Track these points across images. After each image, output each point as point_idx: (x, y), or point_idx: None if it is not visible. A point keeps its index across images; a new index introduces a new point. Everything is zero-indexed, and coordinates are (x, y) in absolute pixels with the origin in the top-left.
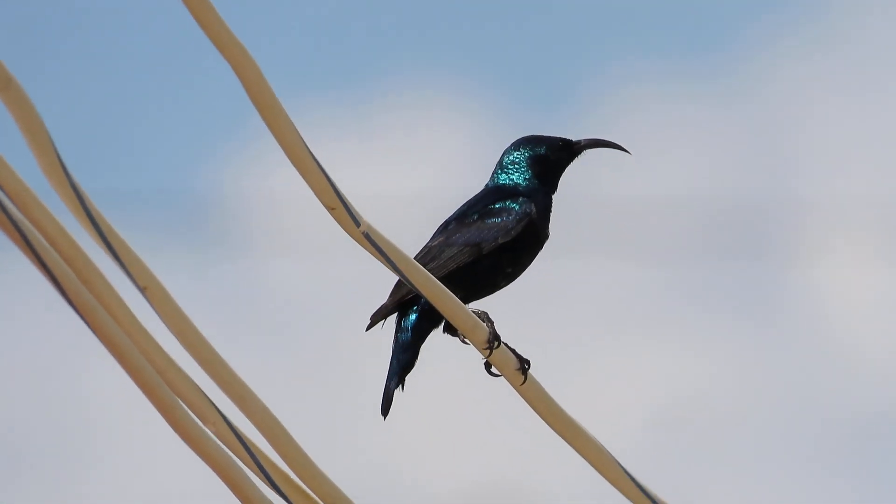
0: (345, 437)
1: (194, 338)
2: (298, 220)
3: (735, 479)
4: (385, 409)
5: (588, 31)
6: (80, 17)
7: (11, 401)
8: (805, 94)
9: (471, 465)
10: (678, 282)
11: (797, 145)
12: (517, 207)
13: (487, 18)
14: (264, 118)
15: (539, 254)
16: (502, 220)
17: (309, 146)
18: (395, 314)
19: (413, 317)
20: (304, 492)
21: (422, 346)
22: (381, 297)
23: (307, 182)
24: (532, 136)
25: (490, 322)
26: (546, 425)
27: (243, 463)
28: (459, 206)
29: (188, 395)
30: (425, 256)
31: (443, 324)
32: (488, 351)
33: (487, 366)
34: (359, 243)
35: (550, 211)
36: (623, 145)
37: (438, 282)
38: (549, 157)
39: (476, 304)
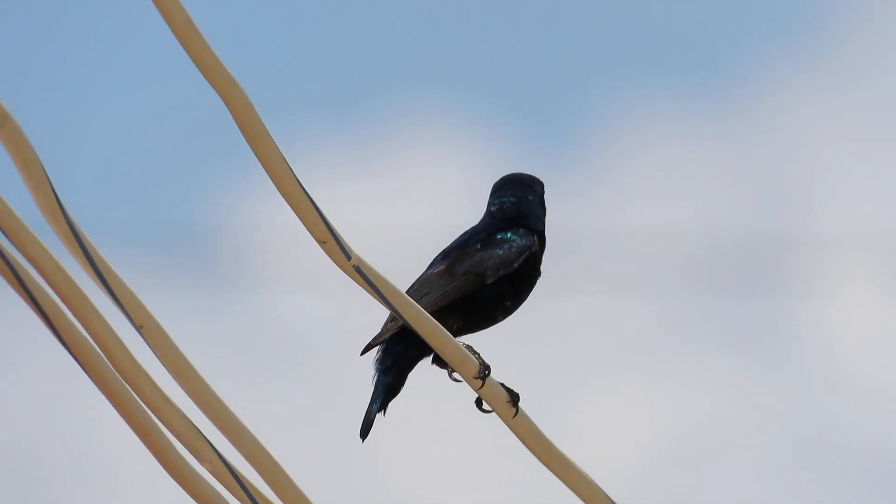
0: (342, 474)
1: (191, 376)
2: (297, 252)
3: None
4: (364, 433)
5: (592, 66)
6: (75, 54)
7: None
8: (816, 128)
9: (464, 499)
10: (684, 316)
11: (807, 180)
12: (519, 240)
13: (487, 50)
14: (254, 150)
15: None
16: (504, 251)
17: (300, 179)
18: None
19: (400, 346)
20: None
21: (408, 374)
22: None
23: (298, 215)
24: (519, 173)
25: (477, 354)
26: (536, 459)
27: (239, 501)
28: (459, 235)
29: (184, 434)
30: (423, 286)
31: (432, 356)
32: (480, 382)
33: (479, 402)
34: (350, 277)
35: (544, 249)
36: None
37: (430, 316)
38: (541, 195)
39: (470, 339)
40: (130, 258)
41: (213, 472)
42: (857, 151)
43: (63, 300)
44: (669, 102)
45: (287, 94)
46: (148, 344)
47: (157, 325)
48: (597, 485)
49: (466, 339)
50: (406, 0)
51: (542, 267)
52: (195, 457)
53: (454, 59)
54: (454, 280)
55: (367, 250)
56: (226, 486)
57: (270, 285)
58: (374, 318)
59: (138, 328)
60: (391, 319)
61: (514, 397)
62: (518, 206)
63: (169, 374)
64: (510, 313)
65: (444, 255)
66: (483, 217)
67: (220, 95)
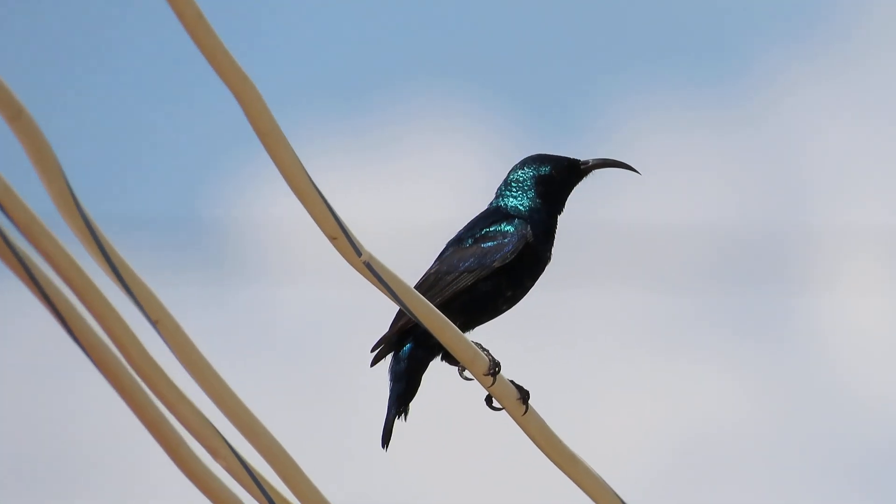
0: (356, 468)
1: (207, 372)
2: (311, 247)
3: None
4: (385, 441)
5: (602, 60)
6: (87, 47)
7: (14, 436)
8: (817, 122)
9: (476, 495)
10: (687, 310)
11: (809, 173)
12: (512, 230)
13: (500, 46)
14: (266, 146)
15: (541, 276)
16: (498, 243)
17: (311, 175)
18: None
19: (409, 346)
20: None
21: (422, 375)
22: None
23: (308, 211)
24: (539, 154)
25: (487, 351)
26: (546, 456)
27: (253, 497)
28: (459, 229)
29: (199, 430)
30: (424, 284)
31: (441, 353)
32: (490, 379)
33: (489, 400)
34: (360, 273)
35: (554, 233)
36: (632, 165)
37: (440, 312)
38: (554, 177)
39: (478, 331)
40: (143, 252)
41: (227, 469)
42: (861, 143)
43: (76, 295)
44: (673, 92)
45: (296, 88)
46: (163, 339)
47: (173, 320)
48: (606, 483)
49: (476, 335)
50: None
51: (552, 252)
52: (210, 453)
53: (462, 52)
54: (451, 276)
55: (377, 245)
56: (241, 483)
57: (283, 280)
58: (387, 313)
59: (154, 323)
60: (399, 317)
61: (524, 395)
62: (526, 189)
63: (184, 370)
64: (514, 303)
65: (443, 252)
66: (491, 200)
67: (232, 90)
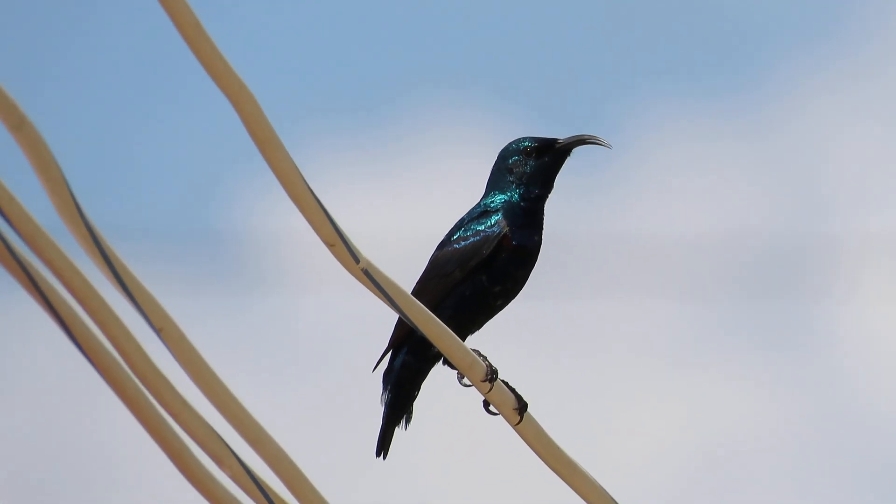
0: (359, 477)
1: (210, 379)
2: (321, 256)
3: None
4: (380, 450)
5: (619, 71)
6: (92, 56)
7: (17, 444)
8: (837, 131)
9: (478, 501)
10: (707, 319)
11: (829, 182)
12: (483, 228)
13: (516, 56)
14: (264, 154)
15: (534, 265)
16: (473, 241)
17: (310, 182)
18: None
19: (402, 355)
20: None
21: (420, 382)
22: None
23: (306, 218)
24: (514, 140)
25: (485, 357)
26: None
27: None
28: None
29: (204, 438)
30: (415, 290)
31: (443, 358)
32: (488, 386)
33: (486, 404)
34: (358, 280)
35: (539, 218)
36: (603, 140)
37: (438, 319)
38: (529, 160)
39: (490, 338)
40: (159, 263)
41: (232, 477)
42: (882, 151)
43: (80, 303)
44: (692, 103)
45: (306, 100)
46: (167, 347)
47: (177, 328)
48: (604, 489)
49: (481, 341)
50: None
51: (541, 237)
52: (215, 462)
53: (476, 62)
54: (434, 282)
55: (390, 256)
56: (245, 491)
57: (292, 289)
58: (392, 322)
59: (157, 331)
60: (398, 325)
61: (521, 405)
62: (502, 178)
63: (188, 378)
64: (509, 297)
65: (431, 256)
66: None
67: (229, 99)
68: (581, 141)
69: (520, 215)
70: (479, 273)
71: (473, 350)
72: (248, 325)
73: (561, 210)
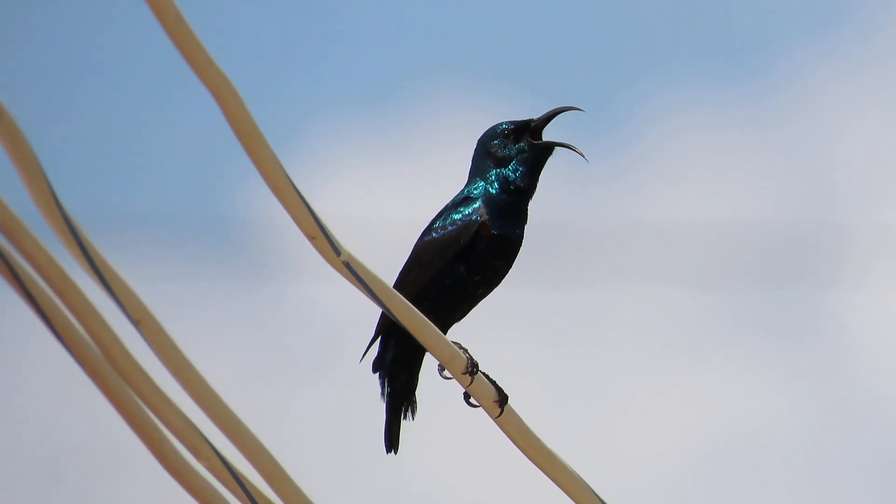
0: (342, 472)
1: (189, 372)
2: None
3: None
4: (389, 445)
5: (629, 61)
6: (73, 46)
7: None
8: (847, 119)
9: (465, 495)
10: (716, 308)
11: (839, 171)
12: (459, 217)
13: (524, 44)
14: (245, 146)
15: (516, 255)
16: (448, 231)
17: (289, 174)
18: (380, 346)
19: (393, 348)
20: None
21: (417, 371)
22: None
23: (287, 211)
24: (490, 126)
25: (465, 350)
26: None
27: (237, 498)
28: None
29: (182, 431)
30: (398, 282)
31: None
32: (469, 379)
33: (466, 396)
34: (339, 272)
35: (523, 209)
36: (576, 106)
37: (418, 311)
38: (508, 144)
39: (456, 326)
40: (168, 248)
41: (210, 469)
42: (891, 140)
43: (58, 295)
44: (701, 92)
45: (318, 90)
46: (144, 339)
47: (154, 320)
48: (584, 481)
49: (456, 334)
50: None
51: (524, 227)
52: (192, 454)
53: (483, 50)
54: (414, 273)
55: (401, 245)
56: (223, 483)
57: (293, 274)
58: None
59: (135, 323)
60: (383, 315)
61: (502, 397)
62: (482, 167)
63: (166, 370)
64: (490, 286)
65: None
66: None
67: (211, 91)
68: (553, 114)
69: (500, 204)
70: (459, 262)
71: (454, 343)
72: (252, 309)
73: (571, 198)
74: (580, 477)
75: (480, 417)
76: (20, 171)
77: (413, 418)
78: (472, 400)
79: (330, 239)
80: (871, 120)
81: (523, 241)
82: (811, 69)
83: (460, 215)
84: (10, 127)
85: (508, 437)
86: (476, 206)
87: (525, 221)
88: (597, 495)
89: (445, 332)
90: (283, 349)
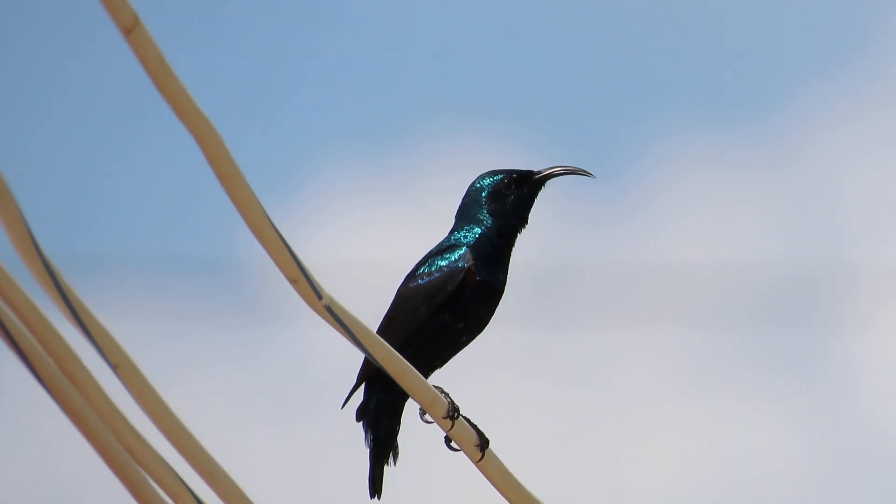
0: None
1: (166, 415)
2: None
3: None
4: (373, 491)
5: (635, 102)
6: (53, 90)
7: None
8: (854, 160)
9: None
10: (724, 349)
11: (846, 212)
12: (446, 264)
13: (530, 84)
14: (226, 188)
15: (498, 304)
16: (434, 279)
17: (271, 218)
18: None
19: (376, 393)
20: None
21: (399, 417)
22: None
23: (269, 254)
24: (485, 173)
25: (447, 394)
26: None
27: None
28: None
29: (159, 474)
30: (381, 327)
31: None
32: (450, 423)
33: (448, 440)
34: (321, 316)
35: (507, 256)
36: (586, 169)
37: (400, 356)
38: (503, 192)
39: (438, 372)
40: (181, 297)
41: None
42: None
43: (38, 339)
44: (708, 133)
45: (323, 129)
46: (123, 383)
47: (132, 364)
48: None
49: (437, 378)
50: (434, 29)
51: (506, 276)
52: (171, 498)
53: (490, 90)
54: (399, 319)
55: (386, 282)
56: None
57: (284, 321)
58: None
59: (113, 367)
60: (366, 361)
61: (483, 441)
62: (472, 212)
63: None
64: (473, 333)
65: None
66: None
67: (192, 133)
68: (561, 172)
69: (487, 251)
70: (444, 310)
71: (435, 387)
72: (237, 352)
73: (579, 239)
74: None
75: (462, 461)
76: (1, 218)
77: (395, 464)
78: (453, 444)
79: (311, 282)
80: (877, 161)
81: (506, 287)
82: (817, 110)
83: (446, 262)
84: None
85: (490, 481)
86: (462, 252)
87: (508, 267)
88: None
89: (427, 378)
90: (267, 392)
